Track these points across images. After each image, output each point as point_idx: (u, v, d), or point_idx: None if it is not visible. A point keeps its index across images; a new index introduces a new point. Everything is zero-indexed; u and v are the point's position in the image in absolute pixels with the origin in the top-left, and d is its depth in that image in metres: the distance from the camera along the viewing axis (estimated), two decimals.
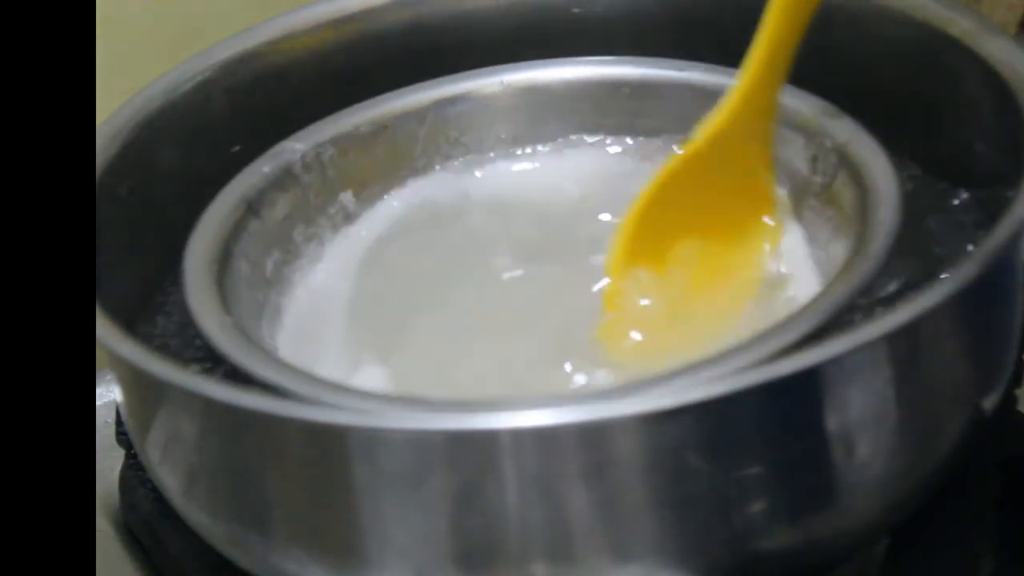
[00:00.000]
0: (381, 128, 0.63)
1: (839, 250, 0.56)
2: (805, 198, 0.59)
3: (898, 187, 0.54)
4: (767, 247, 0.58)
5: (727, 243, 0.58)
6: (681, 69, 0.63)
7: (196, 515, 0.52)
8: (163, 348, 0.56)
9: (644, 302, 0.57)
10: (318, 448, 0.48)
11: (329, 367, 0.56)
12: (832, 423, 0.47)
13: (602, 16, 0.66)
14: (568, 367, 0.55)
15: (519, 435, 0.46)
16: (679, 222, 0.58)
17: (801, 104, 0.59)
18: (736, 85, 0.56)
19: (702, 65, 0.62)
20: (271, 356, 0.53)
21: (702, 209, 0.58)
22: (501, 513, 0.46)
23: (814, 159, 0.58)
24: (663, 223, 0.57)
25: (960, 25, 0.57)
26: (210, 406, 0.49)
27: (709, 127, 0.57)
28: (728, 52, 0.59)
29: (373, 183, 0.63)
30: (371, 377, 0.56)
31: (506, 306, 0.59)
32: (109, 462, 0.61)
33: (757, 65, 0.56)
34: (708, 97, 0.60)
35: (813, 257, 0.58)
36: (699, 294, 0.58)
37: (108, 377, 0.56)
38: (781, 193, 0.59)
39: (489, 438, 0.46)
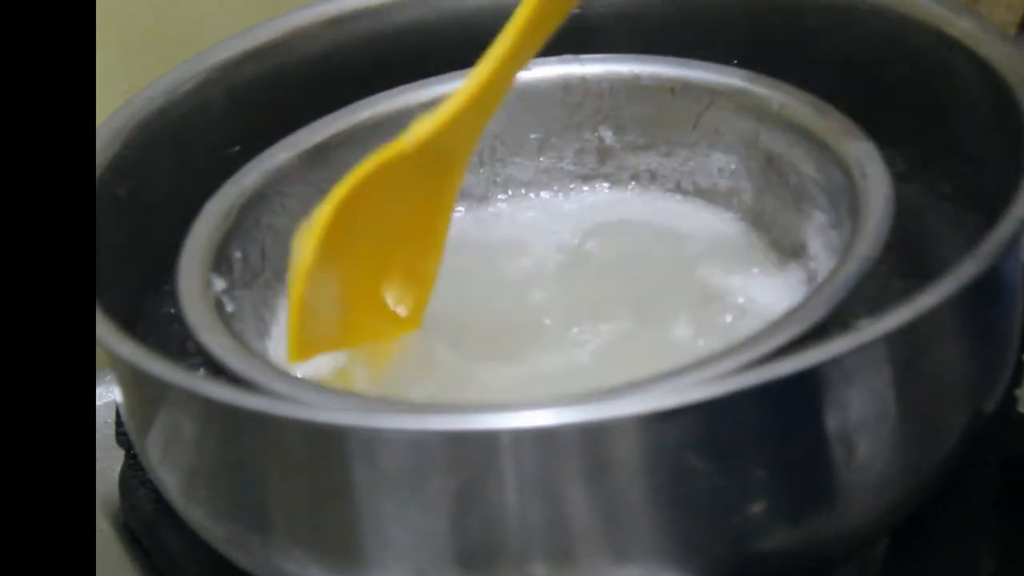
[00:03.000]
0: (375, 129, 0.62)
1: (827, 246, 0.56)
2: (804, 197, 0.59)
3: (891, 187, 0.54)
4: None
5: (407, 254, 0.56)
6: (682, 67, 0.62)
7: (196, 515, 0.52)
8: (163, 348, 0.56)
9: (329, 313, 0.54)
10: (318, 448, 0.48)
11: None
12: (832, 423, 0.47)
13: (602, 16, 0.66)
14: None
15: (519, 435, 0.46)
16: (369, 227, 0.54)
17: (796, 103, 0.59)
18: (462, 91, 0.53)
19: (705, 64, 0.62)
20: (265, 361, 0.53)
21: (391, 218, 0.54)
22: (501, 513, 0.46)
23: (812, 159, 0.58)
24: (355, 225, 0.53)
25: (960, 25, 0.57)
26: (210, 406, 0.49)
27: (422, 129, 0.53)
28: (728, 51, 0.59)
29: None
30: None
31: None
32: (109, 462, 0.61)
33: (489, 73, 0.53)
34: (706, 95, 0.60)
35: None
36: (378, 300, 0.56)
37: (108, 377, 0.56)
38: None
39: (489, 438, 0.46)
